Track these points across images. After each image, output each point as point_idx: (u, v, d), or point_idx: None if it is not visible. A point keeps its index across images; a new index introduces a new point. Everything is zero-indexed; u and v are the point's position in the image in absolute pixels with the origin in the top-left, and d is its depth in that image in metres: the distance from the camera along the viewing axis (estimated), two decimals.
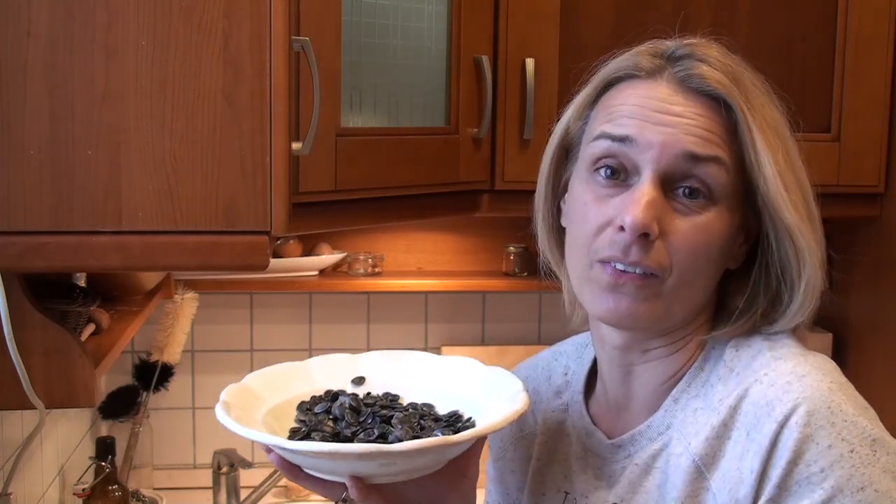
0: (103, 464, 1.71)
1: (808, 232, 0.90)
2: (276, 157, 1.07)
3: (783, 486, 0.83)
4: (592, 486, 0.98)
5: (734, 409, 0.88)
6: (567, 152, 1.00)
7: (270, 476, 1.93)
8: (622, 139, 0.90)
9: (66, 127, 1.03)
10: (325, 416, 0.95)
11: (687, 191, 0.89)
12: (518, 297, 2.19)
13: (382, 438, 0.89)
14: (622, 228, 0.88)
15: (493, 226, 2.11)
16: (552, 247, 1.03)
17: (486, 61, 1.56)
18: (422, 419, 0.94)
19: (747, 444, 0.86)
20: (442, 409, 0.98)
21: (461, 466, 0.94)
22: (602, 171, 0.92)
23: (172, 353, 1.94)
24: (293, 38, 1.14)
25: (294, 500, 2.06)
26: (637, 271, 0.89)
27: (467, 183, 1.57)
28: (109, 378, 2.00)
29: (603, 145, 0.92)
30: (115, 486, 1.73)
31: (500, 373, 0.99)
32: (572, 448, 1.01)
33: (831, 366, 0.91)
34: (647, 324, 0.92)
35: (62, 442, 1.78)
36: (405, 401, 1.01)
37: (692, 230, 0.89)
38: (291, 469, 0.89)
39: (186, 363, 2.08)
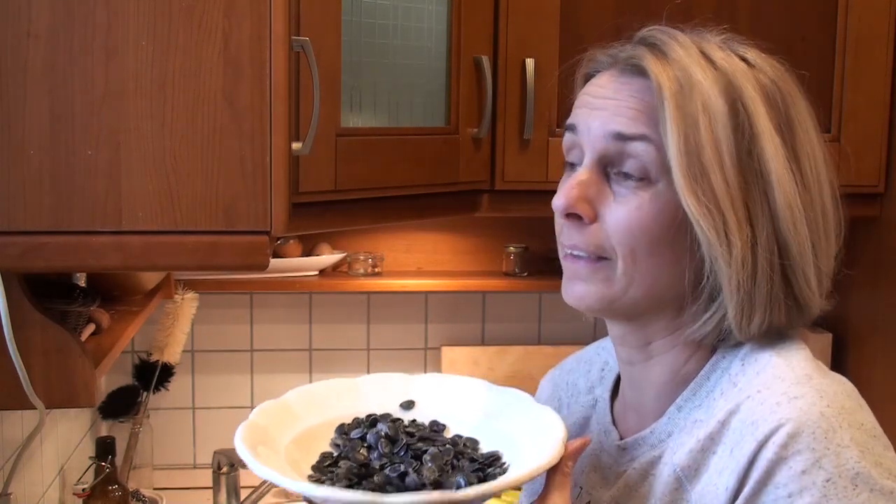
0: (103, 464, 1.71)
1: (709, 224, 0.86)
2: (276, 157, 1.07)
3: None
4: (598, 483, 0.99)
5: (722, 424, 0.87)
6: None
7: None
8: (570, 128, 0.95)
9: (66, 127, 1.03)
10: (359, 442, 0.93)
11: (624, 172, 0.90)
12: (518, 297, 2.19)
13: (401, 477, 0.86)
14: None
15: (493, 226, 2.12)
16: None
17: (486, 61, 1.56)
18: (457, 457, 0.91)
19: (728, 460, 0.84)
20: (486, 446, 0.95)
21: None
22: (570, 166, 0.96)
23: (172, 353, 1.94)
24: (293, 38, 1.14)
25: (294, 501, 2.06)
26: (583, 255, 0.92)
27: (467, 183, 1.57)
28: (109, 378, 2.00)
29: (564, 137, 0.97)
30: (115, 486, 1.73)
31: (550, 415, 0.95)
32: (591, 444, 1.02)
33: (838, 389, 0.85)
34: (601, 305, 0.92)
35: (62, 442, 1.78)
36: (451, 432, 0.98)
37: (625, 210, 0.89)
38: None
39: (186, 363, 2.08)
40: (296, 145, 1.16)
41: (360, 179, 1.34)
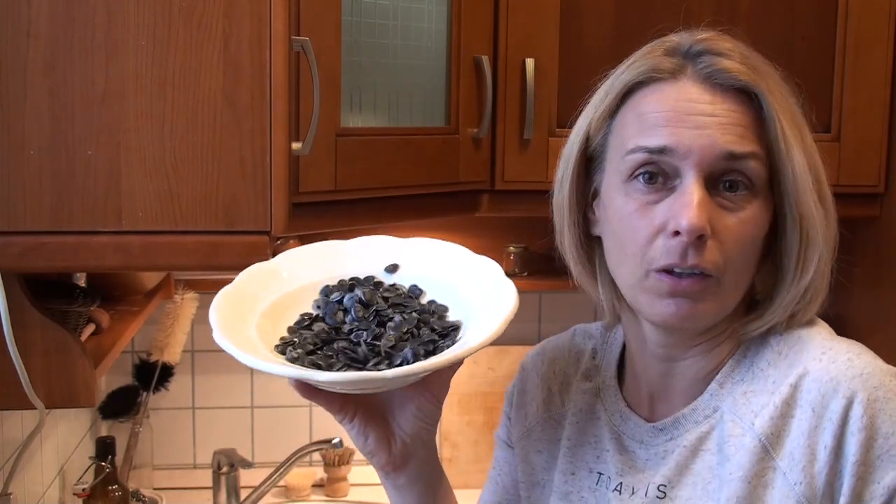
0: (103, 464, 1.71)
1: (820, 221, 0.92)
2: (276, 157, 1.07)
3: (867, 462, 0.86)
4: (630, 467, 0.99)
5: (795, 388, 0.90)
6: (590, 161, 0.99)
7: (270, 476, 1.93)
8: (660, 150, 0.90)
9: (66, 127, 1.03)
10: (337, 305, 0.96)
11: (728, 184, 0.90)
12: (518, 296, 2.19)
13: (357, 346, 0.90)
14: (677, 233, 0.88)
15: (493, 226, 2.11)
16: (581, 258, 1.02)
17: (486, 61, 1.56)
18: (418, 326, 0.93)
19: (814, 420, 0.88)
20: (454, 315, 0.96)
21: (426, 383, 0.94)
22: (641, 178, 0.91)
23: (172, 353, 1.94)
24: (293, 38, 1.14)
25: (294, 500, 2.06)
26: (695, 272, 0.89)
27: (467, 183, 1.57)
28: (109, 378, 2.00)
29: (640, 158, 0.91)
30: (115, 486, 1.73)
31: (508, 291, 0.95)
32: (604, 431, 1.02)
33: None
34: (706, 322, 0.93)
35: (62, 442, 1.78)
36: (427, 297, 0.99)
37: (740, 225, 0.90)
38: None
39: (186, 363, 2.08)
40: (296, 145, 1.16)
41: (360, 179, 1.34)
